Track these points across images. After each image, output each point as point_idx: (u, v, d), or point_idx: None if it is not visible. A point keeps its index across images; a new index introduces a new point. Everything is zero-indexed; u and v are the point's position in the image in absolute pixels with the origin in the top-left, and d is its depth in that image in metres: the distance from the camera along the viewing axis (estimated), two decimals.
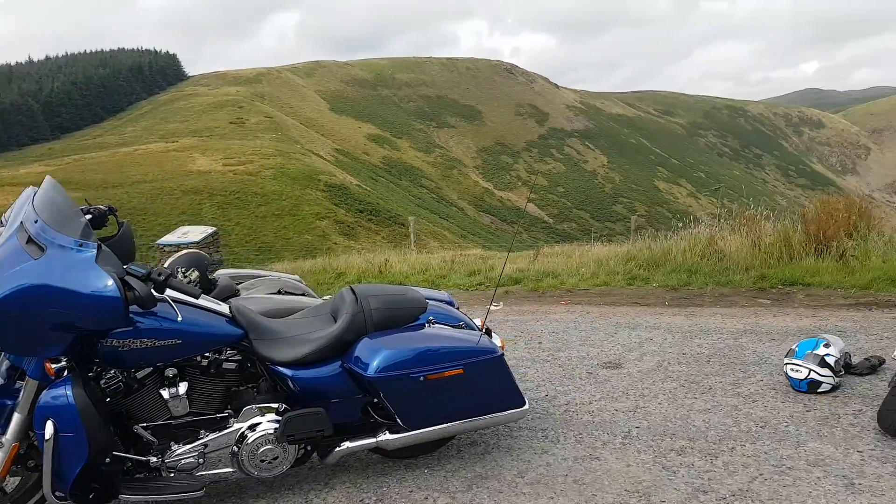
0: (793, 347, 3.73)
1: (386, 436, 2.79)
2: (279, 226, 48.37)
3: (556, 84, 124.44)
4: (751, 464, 2.88)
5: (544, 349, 4.72)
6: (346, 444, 2.79)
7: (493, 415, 2.93)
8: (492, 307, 6.15)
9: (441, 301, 3.29)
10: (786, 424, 3.24)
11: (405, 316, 2.87)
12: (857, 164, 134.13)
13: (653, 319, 5.38)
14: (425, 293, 3.25)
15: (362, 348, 2.69)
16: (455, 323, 3.06)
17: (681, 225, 8.02)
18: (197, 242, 10.16)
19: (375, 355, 2.65)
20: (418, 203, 72.58)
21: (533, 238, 65.51)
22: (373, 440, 2.81)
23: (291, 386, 2.68)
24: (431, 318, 2.93)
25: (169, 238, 10.61)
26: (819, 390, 3.56)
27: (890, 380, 3.22)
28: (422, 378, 2.68)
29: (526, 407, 3.01)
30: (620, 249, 8.12)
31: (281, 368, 2.66)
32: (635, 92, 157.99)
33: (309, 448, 2.79)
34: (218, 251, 11.19)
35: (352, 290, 2.90)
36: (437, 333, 2.87)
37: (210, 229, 10.95)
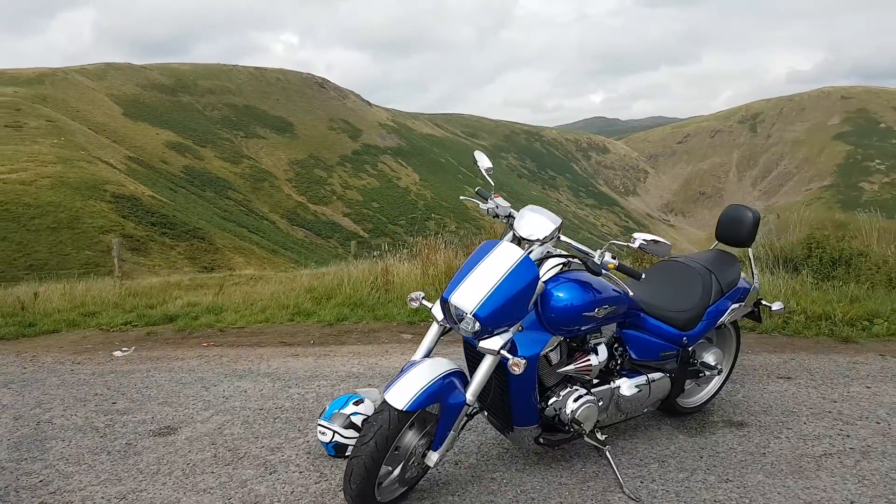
0: (326, 405, 3.41)
1: None
2: (55, 240, 43.01)
3: (368, 101, 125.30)
4: None
5: (108, 412, 4.03)
6: None
7: None
8: (117, 353, 5.41)
9: None
10: None
11: None
12: (637, 187, 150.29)
13: (276, 364, 4.94)
14: None
15: None
16: None
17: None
18: None
19: None
20: (224, 216, 68.74)
21: (347, 252, 64.55)
22: None
23: None
24: None
25: None
26: (347, 454, 3.25)
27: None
28: None
29: None
30: (308, 281, 7.69)
31: None
32: (443, 114, 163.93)
33: None
34: None
35: None
36: None
37: None
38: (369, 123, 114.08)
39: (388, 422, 2.45)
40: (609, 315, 2.82)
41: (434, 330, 2.91)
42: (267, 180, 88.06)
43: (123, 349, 5.50)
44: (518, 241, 2.75)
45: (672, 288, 3.31)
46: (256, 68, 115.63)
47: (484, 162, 3.17)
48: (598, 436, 2.93)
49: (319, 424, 3.30)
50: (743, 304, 3.53)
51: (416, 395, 2.45)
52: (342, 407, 3.31)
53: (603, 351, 2.92)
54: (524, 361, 2.45)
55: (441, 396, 2.51)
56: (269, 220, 77.52)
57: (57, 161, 56.09)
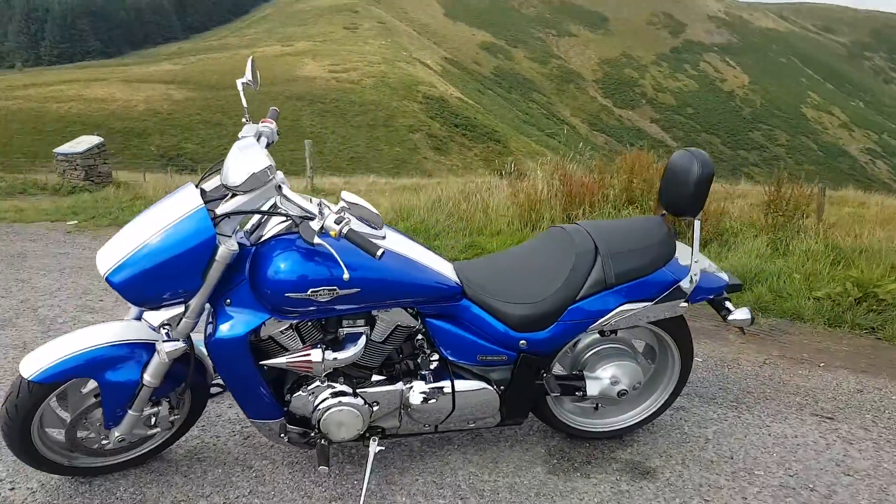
0: None
1: None
2: (372, 137, 48.31)
3: None
4: None
5: None
6: None
7: None
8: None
9: None
10: None
11: None
12: None
13: None
14: None
15: None
16: None
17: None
18: (80, 153, 10.64)
19: None
20: (524, 119, 69.72)
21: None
22: None
23: None
24: None
25: (64, 147, 10.99)
26: None
27: None
28: None
29: None
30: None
31: None
32: (791, 3, 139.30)
33: None
34: (105, 162, 11.49)
35: None
36: None
37: (97, 140, 11.23)
38: (696, 16, 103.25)
39: (18, 390, 2.04)
40: (347, 299, 1.98)
41: None
42: (573, 82, 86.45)
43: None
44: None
45: (529, 268, 2.31)
46: None
47: (248, 72, 2.26)
48: (373, 446, 2.17)
49: None
50: (658, 303, 2.25)
51: (51, 363, 1.99)
52: None
53: (357, 344, 2.08)
54: (175, 348, 1.94)
55: (95, 371, 2.04)
56: (569, 124, 76.40)
57: (382, 62, 61.93)
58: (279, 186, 1.88)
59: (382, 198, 7.35)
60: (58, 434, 2.18)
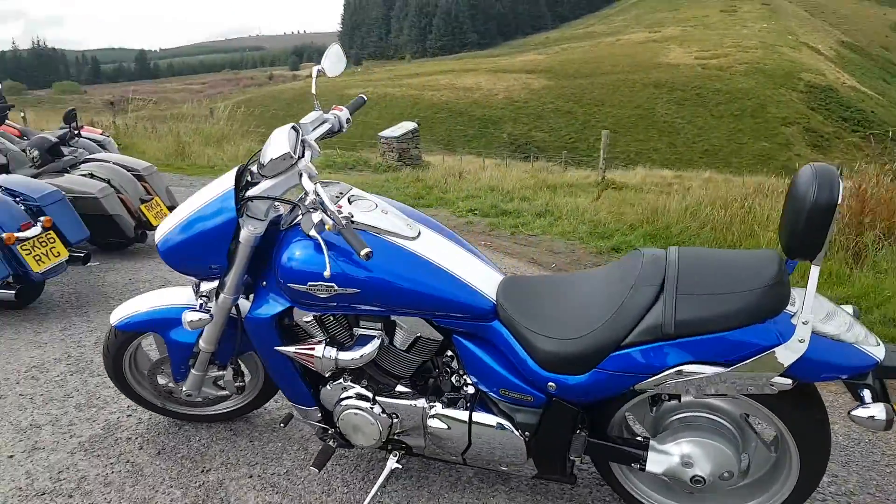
0: None
1: None
2: (734, 128, 44.44)
3: None
4: None
5: None
6: None
7: None
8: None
9: None
10: None
11: None
12: None
13: None
14: None
15: None
16: None
17: None
18: (396, 137, 11.50)
19: None
20: None
21: None
22: None
23: None
24: None
25: (386, 131, 11.99)
26: None
27: None
28: None
29: None
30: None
31: None
32: None
33: None
34: (417, 146, 12.20)
35: None
36: None
37: (412, 126, 12.05)
38: None
39: (109, 334, 2.33)
40: (346, 299, 1.82)
41: None
42: None
43: None
44: None
45: (580, 297, 1.83)
46: None
47: (325, 59, 2.11)
48: (390, 461, 2.02)
49: None
50: (737, 370, 1.57)
51: (130, 315, 2.24)
52: None
53: (365, 347, 1.92)
54: (195, 319, 1.93)
55: (162, 328, 2.23)
56: None
57: (758, 47, 55.99)
58: (300, 174, 1.82)
59: (657, 196, 6.66)
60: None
